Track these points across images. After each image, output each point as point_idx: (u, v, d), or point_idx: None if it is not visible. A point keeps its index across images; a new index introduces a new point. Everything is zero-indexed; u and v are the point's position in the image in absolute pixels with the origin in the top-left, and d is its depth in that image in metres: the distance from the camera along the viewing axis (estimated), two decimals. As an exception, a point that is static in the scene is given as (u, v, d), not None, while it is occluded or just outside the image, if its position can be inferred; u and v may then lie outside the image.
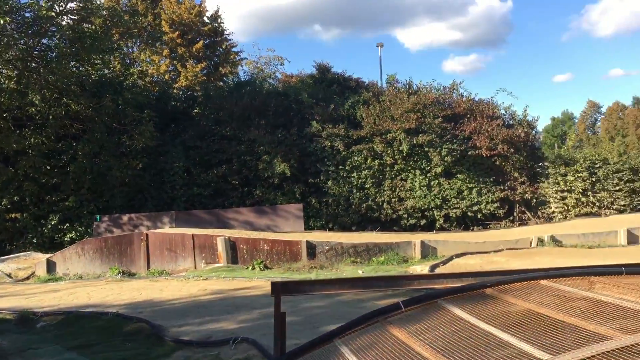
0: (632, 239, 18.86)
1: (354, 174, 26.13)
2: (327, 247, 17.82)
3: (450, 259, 15.86)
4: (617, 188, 25.86)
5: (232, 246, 18.16)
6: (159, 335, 9.09)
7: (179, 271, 18.11)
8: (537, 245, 18.24)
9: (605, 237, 18.81)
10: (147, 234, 19.20)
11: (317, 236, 20.54)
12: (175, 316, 10.76)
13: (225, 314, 10.68)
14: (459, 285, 6.05)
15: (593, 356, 2.85)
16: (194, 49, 37.83)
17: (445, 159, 25.41)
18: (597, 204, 25.80)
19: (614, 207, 25.78)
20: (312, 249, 17.83)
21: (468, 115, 26.37)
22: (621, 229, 19.00)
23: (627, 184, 25.99)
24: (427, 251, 17.96)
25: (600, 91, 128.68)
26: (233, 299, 12.44)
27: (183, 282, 15.44)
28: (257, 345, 7.73)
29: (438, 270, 14.31)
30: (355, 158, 26.12)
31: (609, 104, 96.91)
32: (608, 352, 2.87)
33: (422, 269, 15.87)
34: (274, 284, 5.58)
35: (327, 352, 5.39)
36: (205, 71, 38.38)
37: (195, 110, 29.00)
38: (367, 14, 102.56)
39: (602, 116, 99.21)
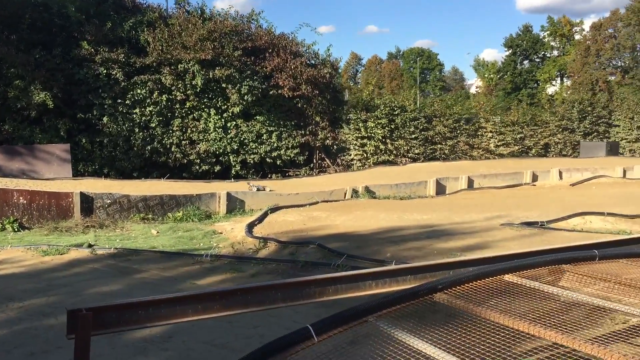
0: (440, 189, 19.00)
1: (137, 110, 22.42)
2: (108, 201, 14.44)
3: (265, 214, 13.86)
4: (413, 136, 26.46)
5: (-30, 200, 13.68)
6: None
7: None
8: (351, 196, 17.23)
9: (415, 187, 18.63)
10: None
11: (93, 186, 16.85)
12: None
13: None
14: (397, 288, 3.95)
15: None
16: None
17: (245, 97, 23.12)
18: (395, 152, 26.14)
19: (410, 155, 26.42)
20: (88, 202, 14.30)
21: (270, 50, 24.30)
22: (430, 180, 19.01)
23: (422, 133, 26.75)
24: (234, 204, 15.74)
25: (360, 45, 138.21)
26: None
27: None
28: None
29: (256, 230, 12.19)
30: (139, 91, 22.36)
31: (368, 57, 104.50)
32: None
33: (233, 227, 13.63)
34: (72, 314, 2.84)
35: None
36: None
37: None
38: None
39: (363, 68, 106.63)
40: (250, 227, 12.27)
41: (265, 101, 24.11)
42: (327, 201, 16.29)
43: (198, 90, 22.99)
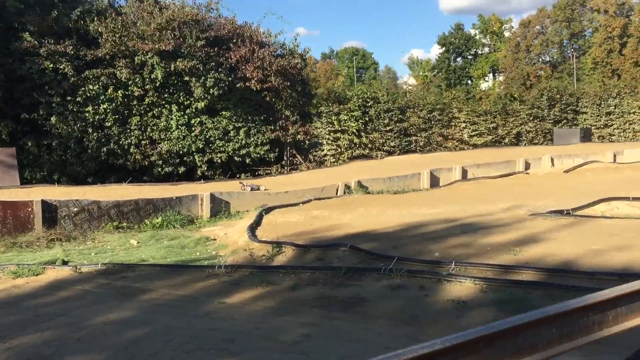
0: (433, 181, 17.99)
1: (89, 108, 20.37)
2: (75, 209, 12.64)
3: (260, 216, 12.41)
4: (388, 128, 25.45)
5: None
6: None
7: None
8: (344, 192, 15.99)
9: (409, 180, 17.57)
10: None
11: (49, 193, 14.93)
12: None
13: None
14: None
15: None
16: None
17: (211, 91, 21.43)
18: (370, 145, 25.05)
19: (385, 148, 25.38)
20: (51, 212, 12.47)
21: (234, 40, 22.68)
22: (424, 172, 17.97)
23: (397, 124, 25.77)
24: (219, 207, 14.21)
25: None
26: None
27: None
28: None
29: (258, 234, 10.74)
30: (91, 87, 20.33)
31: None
32: None
33: (225, 232, 12.14)
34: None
35: None
36: None
37: None
38: None
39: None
40: (252, 230, 10.80)
41: (231, 95, 22.49)
42: (320, 199, 14.96)
43: (158, 84, 21.15)
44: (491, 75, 76.30)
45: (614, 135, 31.62)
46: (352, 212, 12.95)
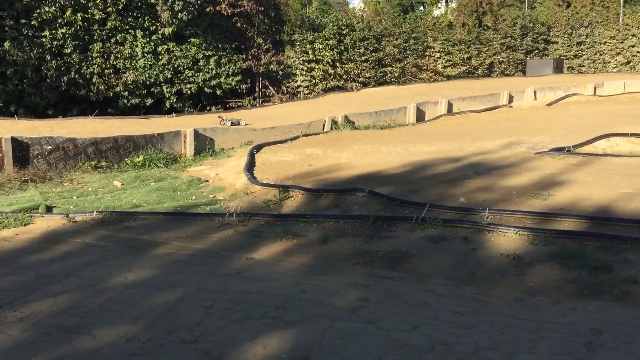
0: (419, 116, 17.50)
1: (46, 33, 18.74)
2: (49, 147, 11.65)
3: (252, 155, 11.69)
4: (364, 58, 24.58)
5: None
6: None
7: None
8: (331, 127, 15.35)
9: (395, 115, 17.03)
10: None
11: (12, 128, 13.78)
12: None
13: None
14: None
15: None
16: None
17: (179, 15, 20.02)
18: (345, 76, 24.23)
19: (360, 79, 24.62)
20: (22, 150, 11.47)
21: (202, -42, 21.06)
22: (410, 106, 17.42)
23: (373, 54, 24.91)
24: (203, 144, 13.41)
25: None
26: None
27: None
28: None
29: (256, 175, 10.11)
30: (47, 9, 18.61)
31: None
32: None
33: (217, 172, 11.47)
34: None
35: None
36: None
37: None
38: None
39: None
40: (250, 171, 10.16)
41: (200, 20, 21.09)
42: (307, 135, 14.32)
43: (120, 7, 19.56)
44: (443, 2, 74.92)
45: (583, 65, 31.59)
46: (346, 149, 12.40)
